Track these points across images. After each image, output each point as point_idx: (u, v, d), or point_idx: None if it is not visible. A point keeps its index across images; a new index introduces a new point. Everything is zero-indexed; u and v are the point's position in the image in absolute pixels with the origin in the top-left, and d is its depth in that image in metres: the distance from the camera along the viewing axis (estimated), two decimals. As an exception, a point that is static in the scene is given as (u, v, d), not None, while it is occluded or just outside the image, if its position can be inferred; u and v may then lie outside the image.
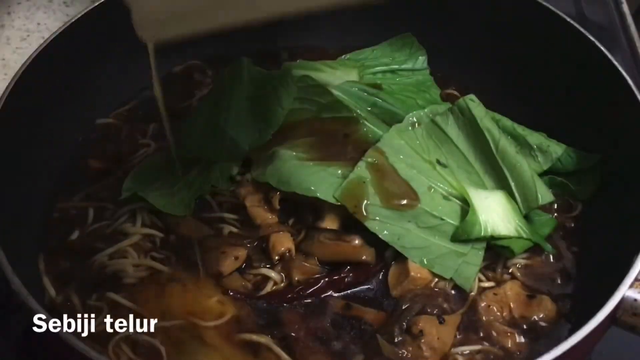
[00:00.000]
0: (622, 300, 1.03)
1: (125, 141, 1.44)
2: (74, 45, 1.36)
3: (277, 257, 1.22)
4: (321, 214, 1.25)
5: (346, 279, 1.21)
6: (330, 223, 1.24)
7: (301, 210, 1.28)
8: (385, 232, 1.20)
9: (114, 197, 1.32)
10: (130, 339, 1.13)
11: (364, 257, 1.22)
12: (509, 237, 1.21)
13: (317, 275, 1.21)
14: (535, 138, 1.33)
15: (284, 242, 1.22)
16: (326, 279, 1.20)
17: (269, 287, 1.21)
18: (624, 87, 1.26)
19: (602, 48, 1.33)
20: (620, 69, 1.28)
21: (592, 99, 1.35)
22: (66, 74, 1.37)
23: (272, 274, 1.21)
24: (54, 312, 1.17)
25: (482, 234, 1.20)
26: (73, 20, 1.36)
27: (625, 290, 1.03)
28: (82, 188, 1.35)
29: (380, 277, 1.23)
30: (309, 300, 1.19)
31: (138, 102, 1.52)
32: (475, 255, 1.21)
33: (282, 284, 1.21)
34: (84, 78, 1.42)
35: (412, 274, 1.19)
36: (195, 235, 1.26)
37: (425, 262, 1.20)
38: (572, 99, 1.40)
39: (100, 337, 1.13)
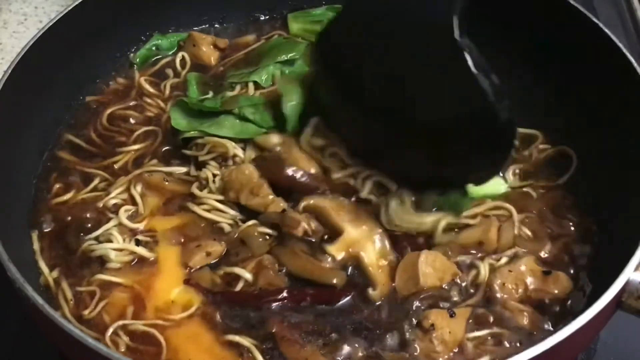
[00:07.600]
0: (627, 283, 1.00)
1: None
2: (73, 29, 1.35)
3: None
4: (336, 238, 1.20)
5: (307, 297, 1.15)
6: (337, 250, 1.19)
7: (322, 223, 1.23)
8: None
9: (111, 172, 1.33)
10: (128, 327, 1.12)
11: (334, 281, 1.16)
12: None
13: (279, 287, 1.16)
14: None
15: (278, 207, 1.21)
16: (285, 293, 1.15)
17: (239, 287, 1.16)
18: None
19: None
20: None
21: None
22: (64, 58, 1.37)
23: (245, 274, 1.17)
24: (48, 293, 1.17)
25: None
26: (72, 6, 1.35)
27: (630, 273, 1.00)
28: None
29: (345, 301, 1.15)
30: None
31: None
32: None
33: (253, 287, 1.17)
34: (80, 62, 1.42)
35: (422, 280, 1.14)
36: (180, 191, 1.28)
37: None
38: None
39: (97, 325, 1.13)
